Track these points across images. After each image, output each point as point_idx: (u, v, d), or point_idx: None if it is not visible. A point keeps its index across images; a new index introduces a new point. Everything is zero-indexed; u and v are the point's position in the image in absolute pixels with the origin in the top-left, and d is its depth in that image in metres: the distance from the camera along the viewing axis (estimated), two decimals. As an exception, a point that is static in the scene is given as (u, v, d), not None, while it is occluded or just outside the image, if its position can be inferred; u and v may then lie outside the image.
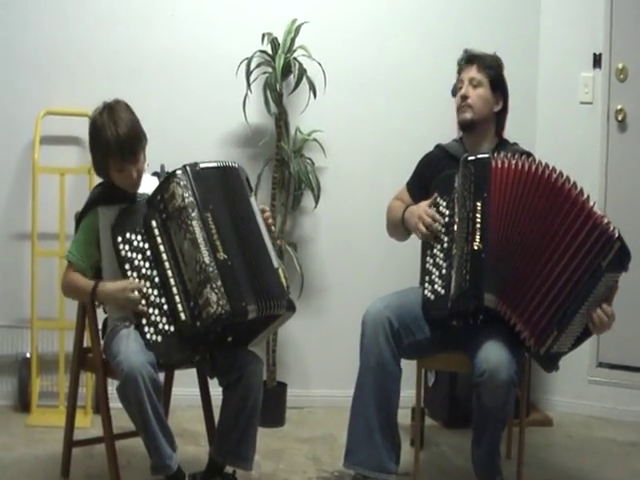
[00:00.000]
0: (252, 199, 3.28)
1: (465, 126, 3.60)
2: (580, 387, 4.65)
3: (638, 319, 4.45)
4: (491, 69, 3.61)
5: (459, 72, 3.68)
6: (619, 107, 4.60)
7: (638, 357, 4.58)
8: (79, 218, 3.30)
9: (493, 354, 3.15)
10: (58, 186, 4.22)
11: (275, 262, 3.21)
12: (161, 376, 3.33)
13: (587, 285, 3.17)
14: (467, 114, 3.57)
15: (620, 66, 4.59)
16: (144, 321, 3.09)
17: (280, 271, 3.22)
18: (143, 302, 3.10)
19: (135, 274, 3.14)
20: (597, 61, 4.63)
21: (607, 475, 3.78)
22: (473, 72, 3.60)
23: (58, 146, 4.38)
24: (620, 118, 4.60)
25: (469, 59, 3.64)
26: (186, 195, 3.11)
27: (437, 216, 3.40)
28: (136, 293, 3.10)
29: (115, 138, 3.12)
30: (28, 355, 4.28)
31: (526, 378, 3.53)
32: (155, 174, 3.38)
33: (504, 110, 3.66)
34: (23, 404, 4.28)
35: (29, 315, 4.21)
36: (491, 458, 3.37)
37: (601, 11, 4.59)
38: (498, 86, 3.62)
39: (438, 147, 3.72)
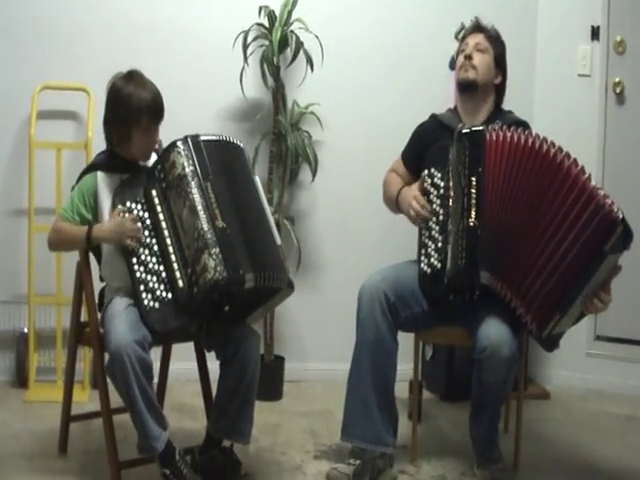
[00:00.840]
0: (256, 177, 3.29)
1: (465, 86, 3.53)
2: (578, 360, 4.66)
3: (636, 293, 4.45)
4: (497, 43, 3.59)
5: (464, 38, 3.64)
6: (617, 80, 4.58)
7: (636, 330, 4.59)
8: (78, 178, 3.30)
9: (495, 331, 3.15)
10: (55, 161, 4.20)
11: (277, 239, 3.22)
12: (158, 352, 3.34)
13: (589, 269, 3.08)
14: (470, 73, 3.51)
15: (618, 39, 4.56)
16: (142, 287, 3.09)
17: (281, 248, 3.23)
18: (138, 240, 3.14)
19: (134, 242, 3.14)
20: (595, 34, 4.61)
21: (604, 448, 3.79)
22: (480, 39, 3.56)
23: (55, 121, 4.36)
24: (618, 91, 4.58)
25: (478, 27, 3.61)
26: (186, 164, 3.11)
27: (426, 204, 3.36)
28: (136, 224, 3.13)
29: (152, 96, 3.21)
30: (25, 331, 4.28)
31: (524, 352, 3.52)
32: (154, 150, 3.37)
33: (502, 86, 3.63)
34: (20, 380, 4.28)
35: (26, 291, 4.21)
36: (489, 433, 3.38)
37: (599, -17, 4.58)
38: (499, 64, 3.58)
39: (432, 117, 3.68)
